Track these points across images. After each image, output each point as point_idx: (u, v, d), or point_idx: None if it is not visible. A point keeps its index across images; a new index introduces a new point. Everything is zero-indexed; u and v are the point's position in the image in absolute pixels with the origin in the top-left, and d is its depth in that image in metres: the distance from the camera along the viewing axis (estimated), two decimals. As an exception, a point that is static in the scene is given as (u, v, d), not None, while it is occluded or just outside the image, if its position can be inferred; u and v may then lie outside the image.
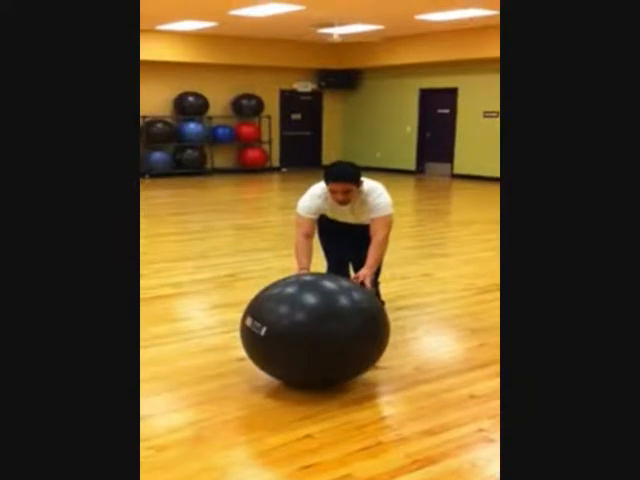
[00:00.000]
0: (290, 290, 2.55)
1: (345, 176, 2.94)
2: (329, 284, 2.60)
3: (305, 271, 2.91)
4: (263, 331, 2.43)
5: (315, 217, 3.11)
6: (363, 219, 3.16)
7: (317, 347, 2.40)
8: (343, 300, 2.51)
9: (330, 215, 3.26)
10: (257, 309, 2.54)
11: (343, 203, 2.99)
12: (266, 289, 2.64)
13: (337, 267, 3.36)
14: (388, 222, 3.05)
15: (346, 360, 2.48)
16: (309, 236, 3.06)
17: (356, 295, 2.56)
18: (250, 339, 2.54)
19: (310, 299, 2.49)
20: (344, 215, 3.20)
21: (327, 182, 2.97)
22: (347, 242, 3.33)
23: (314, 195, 3.10)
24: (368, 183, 3.07)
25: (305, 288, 2.55)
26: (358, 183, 2.97)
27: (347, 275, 3.30)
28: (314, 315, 2.43)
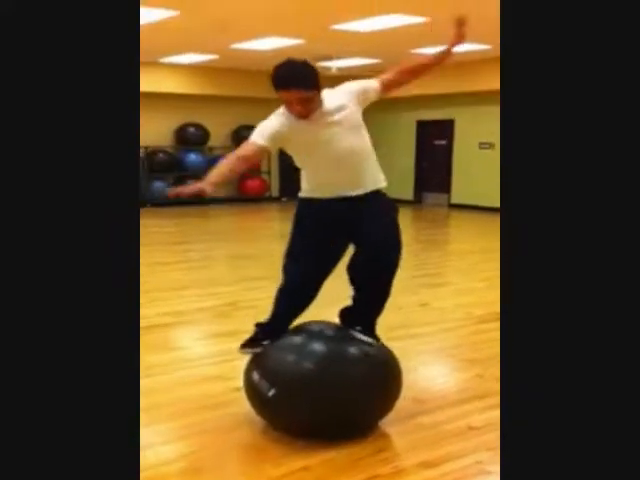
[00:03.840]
0: (301, 344, 2.41)
1: (295, 80, 2.13)
2: (339, 334, 2.51)
3: (213, 179, 2.28)
4: (271, 392, 2.33)
5: (267, 145, 2.24)
6: (352, 137, 2.31)
7: (329, 404, 2.32)
8: (354, 350, 2.43)
9: (304, 150, 2.34)
10: (266, 365, 2.42)
11: (304, 116, 2.21)
12: (276, 345, 2.47)
13: (303, 280, 2.55)
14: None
15: (362, 414, 2.43)
16: (242, 159, 2.24)
17: (368, 349, 2.49)
18: (256, 397, 2.44)
19: (321, 353, 2.38)
20: (325, 144, 2.27)
21: (276, 90, 2.19)
22: (338, 242, 2.52)
23: (276, 113, 2.28)
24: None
25: (316, 341, 2.43)
26: (317, 87, 2.18)
27: (315, 293, 2.55)
28: (324, 371, 2.33)
